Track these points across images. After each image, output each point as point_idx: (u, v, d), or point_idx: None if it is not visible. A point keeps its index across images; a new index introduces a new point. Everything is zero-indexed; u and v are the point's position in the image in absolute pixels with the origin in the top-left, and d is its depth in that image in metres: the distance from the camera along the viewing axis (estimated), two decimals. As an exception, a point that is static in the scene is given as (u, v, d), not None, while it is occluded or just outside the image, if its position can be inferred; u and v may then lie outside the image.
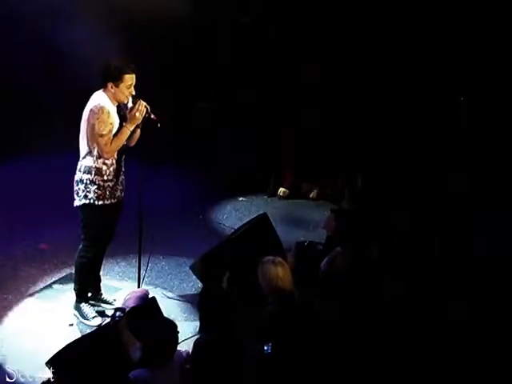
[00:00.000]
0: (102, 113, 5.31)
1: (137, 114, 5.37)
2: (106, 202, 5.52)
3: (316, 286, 5.21)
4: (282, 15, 8.67)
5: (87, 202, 5.48)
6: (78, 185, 5.50)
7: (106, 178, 5.48)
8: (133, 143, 5.64)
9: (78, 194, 5.50)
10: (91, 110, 5.33)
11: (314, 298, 5.04)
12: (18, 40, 8.73)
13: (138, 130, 5.59)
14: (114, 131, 5.42)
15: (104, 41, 8.37)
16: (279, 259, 5.00)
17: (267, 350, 4.45)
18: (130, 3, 9.03)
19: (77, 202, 5.52)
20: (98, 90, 5.45)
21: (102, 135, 5.32)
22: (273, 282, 4.84)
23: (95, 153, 5.41)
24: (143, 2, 8.98)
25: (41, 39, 8.65)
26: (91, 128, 5.34)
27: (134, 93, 5.40)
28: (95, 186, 5.46)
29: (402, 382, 4.53)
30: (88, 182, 5.45)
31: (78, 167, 5.51)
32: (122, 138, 5.43)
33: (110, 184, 5.52)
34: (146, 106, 5.42)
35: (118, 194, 5.62)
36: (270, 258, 5.00)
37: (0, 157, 8.34)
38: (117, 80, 5.33)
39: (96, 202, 5.48)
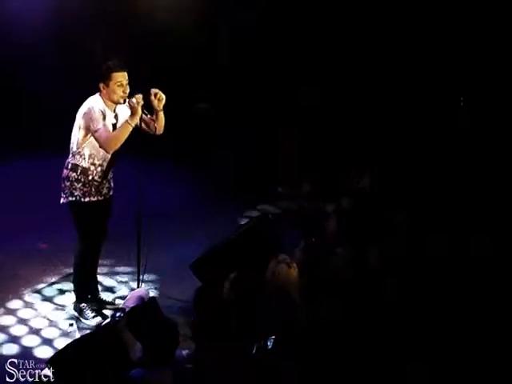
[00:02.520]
0: (94, 112, 5.30)
1: (135, 105, 5.28)
2: (93, 198, 5.52)
3: (318, 285, 5.20)
4: (282, 14, 8.68)
5: (73, 199, 5.49)
6: (64, 182, 5.52)
7: (91, 177, 5.48)
8: (160, 130, 5.58)
9: (64, 191, 5.52)
10: (84, 113, 5.34)
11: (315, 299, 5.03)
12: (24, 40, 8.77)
13: (162, 116, 5.52)
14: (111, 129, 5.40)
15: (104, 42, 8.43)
16: (293, 263, 4.98)
17: (270, 344, 4.46)
18: (129, 3, 9.06)
19: (63, 200, 5.54)
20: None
21: (96, 130, 5.30)
22: (283, 284, 4.83)
23: (84, 153, 5.42)
24: (143, 2, 9.02)
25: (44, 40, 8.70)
26: (86, 129, 5.34)
27: (128, 91, 5.37)
28: (80, 184, 5.46)
29: (400, 382, 4.54)
30: (74, 179, 5.46)
31: (65, 164, 5.52)
32: (123, 133, 5.33)
33: (96, 183, 5.52)
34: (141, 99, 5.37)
35: (105, 191, 5.62)
36: (286, 258, 4.98)
37: (1, 156, 8.35)
38: (106, 79, 5.32)
39: (82, 199, 5.49)
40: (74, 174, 5.45)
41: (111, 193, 5.71)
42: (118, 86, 5.33)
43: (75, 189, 5.47)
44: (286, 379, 4.34)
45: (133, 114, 5.32)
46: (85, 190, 5.48)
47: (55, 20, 8.83)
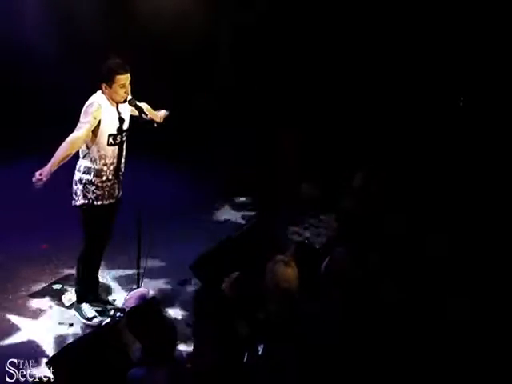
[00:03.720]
0: (91, 106, 5.30)
1: None
2: (105, 202, 5.53)
3: (315, 286, 5.20)
4: (283, 14, 8.68)
5: (86, 201, 5.48)
6: (76, 185, 5.51)
7: (104, 178, 5.48)
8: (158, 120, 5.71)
9: (76, 193, 5.51)
10: (86, 106, 5.33)
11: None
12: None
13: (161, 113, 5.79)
14: (106, 130, 5.39)
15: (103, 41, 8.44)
16: (292, 261, 4.98)
17: (260, 350, 4.46)
18: (129, 2, 9.07)
19: (75, 202, 5.53)
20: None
21: (80, 122, 5.27)
22: (281, 283, 4.82)
23: (93, 154, 5.41)
24: (143, 1, 9.02)
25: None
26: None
27: (129, 92, 5.40)
28: (94, 187, 5.46)
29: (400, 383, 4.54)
30: (87, 182, 5.45)
31: (77, 167, 5.50)
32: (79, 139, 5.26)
33: (109, 184, 5.52)
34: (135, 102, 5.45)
35: (116, 193, 5.63)
36: (283, 257, 4.98)
37: (1, 157, 8.35)
38: (109, 81, 5.33)
39: (95, 202, 5.49)
40: (88, 176, 5.45)
41: (120, 194, 5.71)
42: (121, 87, 5.35)
43: (88, 191, 5.47)
44: (285, 379, 4.34)
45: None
46: (98, 193, 5.48)
47: (57, 18, 8.84)
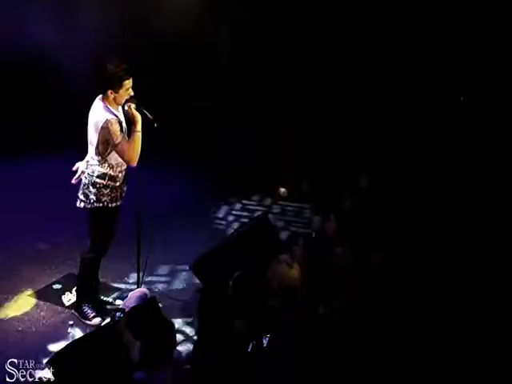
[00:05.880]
0: (112, 125, 5.30)
1: (130, 111, 5.36)
2: (118, 203, 5.58)
3: (319, 283, 5.21)
4: (282, 14, 8.69)
5: (100, 205, 5.48)
6: (88, 188, 5.47)
7: (118, 184, 5.53)
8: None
9: (88, 197, 5.48)
10: (102, 128, 5.30)
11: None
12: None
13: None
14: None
15: (103, 40, 8.44)
16: (294, 261, 4.98)
17: (265, 343, 4.47)
18: (129, 2, 9.07)
19: (87, 205, 5.49)
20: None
21: (116, 145, 5.32)
22: (284, 282, 4.83)
23: (111, 162, 5.44)
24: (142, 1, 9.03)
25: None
26: (106, 142, 5.34)
27: (132, 93, 5.41)
28: (108, 189, 5.48)
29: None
30: (101, 186, 5.46)
31: (90, 171, 5.48)
32: (138, 142, 5.35)
33: (121, 186, 5.58)
34: (135, 104, 5.42)
35: (123, 194, 5.66)
36: (286, 257, 4.99)
37: (0, 157, 8.36)
38: (116, 87, 5.32)
39: (110, 205, 5.51)
40: (102, 181, 5.46)
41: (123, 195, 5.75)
42: (126, 90, 5.37)
43: (103, 195, 5.47)
44: (287, 378, 4.34)
45: (135, 120, 5.34)
46: (112, 195, 5.51)
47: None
